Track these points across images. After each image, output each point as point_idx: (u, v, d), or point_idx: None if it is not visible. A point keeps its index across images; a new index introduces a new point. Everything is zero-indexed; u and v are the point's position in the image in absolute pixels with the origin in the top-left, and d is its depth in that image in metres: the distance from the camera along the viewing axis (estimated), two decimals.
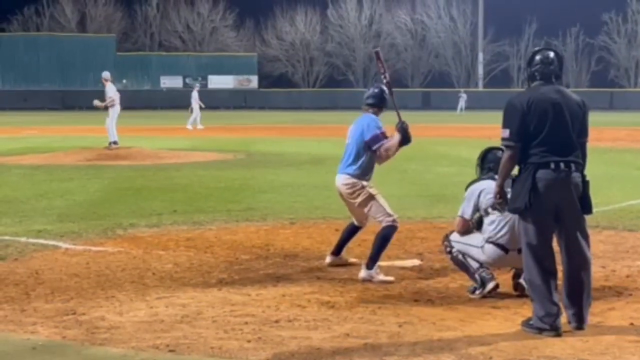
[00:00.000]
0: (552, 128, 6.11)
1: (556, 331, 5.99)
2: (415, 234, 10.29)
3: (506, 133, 6.16)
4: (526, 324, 6.14)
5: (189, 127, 38.13)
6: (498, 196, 6.35)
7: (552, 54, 6.39)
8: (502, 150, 6.46)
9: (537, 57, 6.34)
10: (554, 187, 6.08)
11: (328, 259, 8.49)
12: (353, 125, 8.29)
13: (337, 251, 8.52)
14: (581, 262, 6.26)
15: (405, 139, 8.07)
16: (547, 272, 6.14)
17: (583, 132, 6.29)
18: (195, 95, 38.91)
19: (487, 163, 7.37)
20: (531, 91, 6.29)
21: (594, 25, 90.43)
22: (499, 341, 5.80)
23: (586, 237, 6.32)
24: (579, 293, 6.19)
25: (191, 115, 38.74)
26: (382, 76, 8.27)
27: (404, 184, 15.96)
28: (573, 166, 6.15)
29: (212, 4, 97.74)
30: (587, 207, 6.29)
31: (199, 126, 38.29)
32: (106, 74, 24.76)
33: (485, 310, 6.71)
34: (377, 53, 8.35)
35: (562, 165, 6.10)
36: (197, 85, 41.98)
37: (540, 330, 6.01)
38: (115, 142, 23.76)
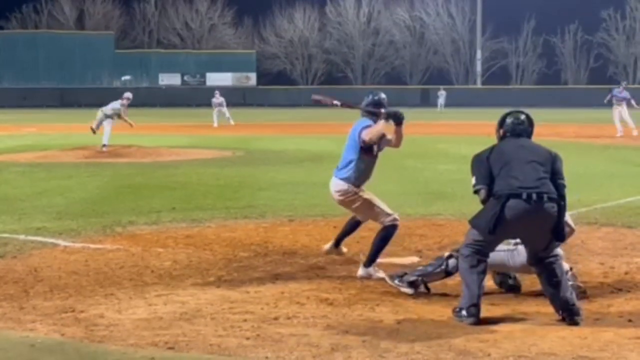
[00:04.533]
0: (519, 164, 6.27)
1: (475, 318, 6.20)
2: (414, 231, 10.29)
3: (473, 180, 6.41)
4: (455, 312, 6.33)
5: (232, 122, 39.78)
6: None
7: (522, 116, 6.66)
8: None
9: (508, 120, 6.63)
10: (524, 217, 6.17)
11: (327, 247, 8.49)
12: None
13: (337, 242, 8.53)
14: (548, 262, 6.36)
15: (396, 117, 7.72)
16: (480, 264, 6.34)
17: (558, 175, 6.37)
18: (220, 101, 40.23)
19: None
20: (500, 143, 6.57)
21: (592, 22, 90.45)
22: (497, 337, 5.81)
23: (553, 253, 6.41)
24: (558, 291, 6.28)
25: (225, 115, 40.23)
26: (334, 104, 8.35)
27: (402, 181, 15.97)
28: (545, 196, 6.20)
29: (211, 2, 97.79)
30: (560, 235, 6.34)
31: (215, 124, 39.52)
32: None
33: (483, 307, 6.70)
34: (315, 101, 8.60)
35: (534, 195, 6.17)
36: (217, 92, 42.59)
37: (461, 318, 6.23)
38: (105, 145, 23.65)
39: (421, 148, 24.84)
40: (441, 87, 75.02)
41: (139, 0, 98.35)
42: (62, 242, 9.56)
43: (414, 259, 8.63)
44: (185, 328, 6.05)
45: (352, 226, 8.53)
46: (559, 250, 6.51)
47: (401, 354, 5.45)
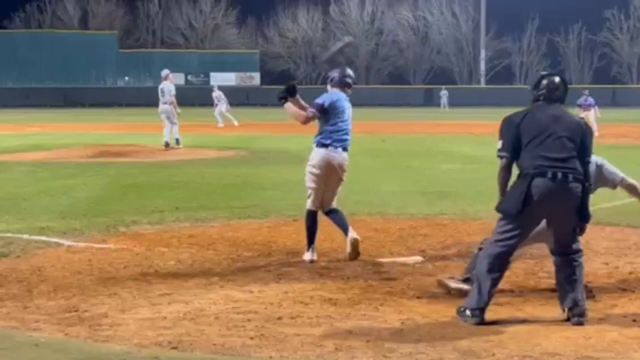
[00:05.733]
0: (549, 138, 6.18)
1: (479, 319, 6.15)
2: (418, 230, 10.28)
3: (499, 144, 6.33)
4: (459, 311, 6.27)
5: (236, 123, 38.14)
6: None
7: (557, 79, 6.50)
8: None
9: (544, 82, 6.46)
10: (549, 196, 6.11)
11: (315, 257, 8.52)
12: (345, 103, 8.59)
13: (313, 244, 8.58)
14: (571, 258, 6.32)
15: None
16: (500, 271, 6.27)
17: (585, 152, 6.32)
18: (218, 94, 39.27)
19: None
20: (531, 108, 6.42)
21: (596, 22, 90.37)
22: (501, 338, 5.80)
23: (575, 241, 6.38)
24: (572, 289, 6.25)
25: (227, 113, 38.89)
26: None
27: (406, 181, 15.96)
28: (571, 176, 6.15)
29: (214, 1, 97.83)
30: (584, 216, 6.31)
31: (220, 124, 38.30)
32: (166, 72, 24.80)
33: (487, 307, 6.71)
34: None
35: (559, 174, 6.12)
36: (215, 86, 42.12)
37: (464, 318, 6.17)
38: (167, 144, 23.69)
39: (424, 147, 24.84)
40: (443, 87, 74.99)
41: (142, 0, 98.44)
42: (65, 242, 9.55)
43: (417, 259, 8.62)
44: (189, 328, 6.05)
45: (316, 224, 8.64)
46: (579, 247, 6.44)
47: (405, 354, 5.45)
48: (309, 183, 8.55)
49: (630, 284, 7.53)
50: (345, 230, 8.53)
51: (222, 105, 39.31)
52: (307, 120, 8.54)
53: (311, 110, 8.47)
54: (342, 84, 8.70)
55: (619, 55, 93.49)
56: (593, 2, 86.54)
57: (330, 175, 8.50)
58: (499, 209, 6.33)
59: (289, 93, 8.55)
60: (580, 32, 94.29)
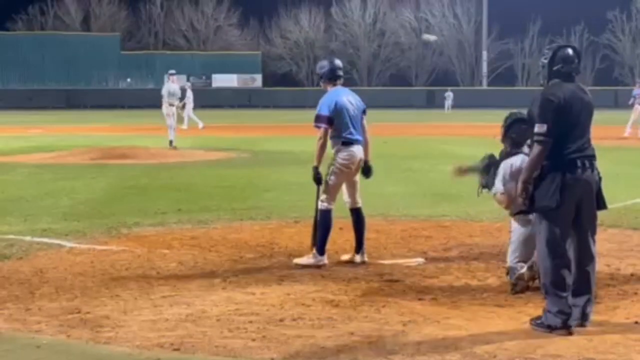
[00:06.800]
0: (581, 126, 6.14)
1: (567, 330, 5.96)
2: (420, 232, 10.28)
3: (543, 128, 6.02)
4: (535, 322, 6.11)
5: (184, 125, 36.10)
6: (524, 193, 6.17)
7: (571, 52, 6.33)
8: (525, 123, 6.45)
9: (559, 55, 6.27)
10: (579, 185, 6.08)
11: (358, 258, 8.56)
12: (342, 97, 8.61)
13: (358, 248, 8.61)
14: (587, 257, 6.28)
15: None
16: (565, 271, 6.11)
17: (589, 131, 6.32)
18: (190, 96, 37.75)
19: (512, 132, 7.25)
20: (561, 88, 6.19)
21: (598, 24, 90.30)
22: (503, 340, 5.80)
23: (594, 233, 6.35)
24: (582, 289, 6.20)
25: (190, 114, 36.99)
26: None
27: (408, 182, 15.96)
28: (595, 163, 6.19)
29: (216, 3, 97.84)
30: (601, 203, 6.31)
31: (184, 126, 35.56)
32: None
33: (489, 308, 6.71)
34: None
35: (587, 163, 6.12)
36: (188, 85, 41.22)
37: (551, 328, 5.98)
38: (171, 142, 24.35)
39: (426, 149, 24.84)
40: (448, 88, 74.97)
41: (144, 2, 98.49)
42: (67, 244, 9.56)
43: (420, 260, 8.61)
44: (191, 329, 6.06)
45: (354, 223, 8.76)
46: (595, 252, 6.39)
47: (407, 355, 5.45)
48: (332, 178, 8.64)
49: (632, 285, 7.52)
50: (358, 246, 8.60)
51: (189, 104, 37.81)
52: (325, 137, 8.58)
53: (321, 127, 8.58)
54: (334, 78, 8.72)
55: (621, 57, 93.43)
56: (595, 4, 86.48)
57: (353, 170, 8.68)
58: (536, 208, 6.16)
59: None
60: (582, 34, 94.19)
